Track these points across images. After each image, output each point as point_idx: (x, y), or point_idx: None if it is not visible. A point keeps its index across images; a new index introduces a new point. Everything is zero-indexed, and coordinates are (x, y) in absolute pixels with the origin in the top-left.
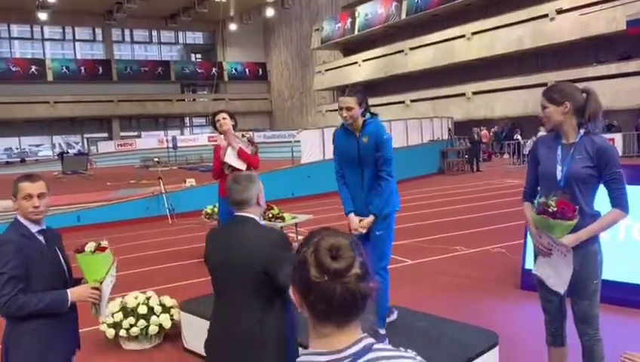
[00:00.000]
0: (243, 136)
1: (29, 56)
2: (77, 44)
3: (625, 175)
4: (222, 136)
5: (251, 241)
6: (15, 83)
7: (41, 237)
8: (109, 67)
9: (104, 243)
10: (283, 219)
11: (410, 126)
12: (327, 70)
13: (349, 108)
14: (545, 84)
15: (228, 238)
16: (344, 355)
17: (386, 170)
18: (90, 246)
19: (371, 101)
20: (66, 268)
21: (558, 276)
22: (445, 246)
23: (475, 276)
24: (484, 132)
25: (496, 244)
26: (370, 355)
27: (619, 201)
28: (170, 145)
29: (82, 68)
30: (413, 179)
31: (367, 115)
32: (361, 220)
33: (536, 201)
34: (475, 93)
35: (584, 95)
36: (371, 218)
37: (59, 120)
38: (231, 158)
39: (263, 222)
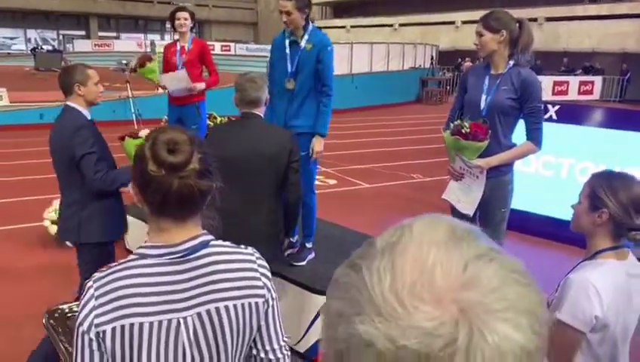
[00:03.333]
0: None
1: None
2: None
3: (591, 117)
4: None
5: (262, 140)
6: None
7: None
8: None
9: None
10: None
11: (392, 51)
12: None
13: (288, 13)
14: (535, 19)
15: (239, 133)
16: (179, 249)
17: (327, 85)
18: (146, 132)
19: (360, 22)
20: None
21: (467, 198)
22: (404, 173)
23: (422, 201)
24: (468, 63)
25: None
26: (207, 250)
27: (534, 135)
28: (149, 49)
29: None
30: (389, 105)
31: (312, 25)
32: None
33: (452, 124)
34: (464, 23)
35: (518, 26)
36: (320, 140)
37: (33, 12)
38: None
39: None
